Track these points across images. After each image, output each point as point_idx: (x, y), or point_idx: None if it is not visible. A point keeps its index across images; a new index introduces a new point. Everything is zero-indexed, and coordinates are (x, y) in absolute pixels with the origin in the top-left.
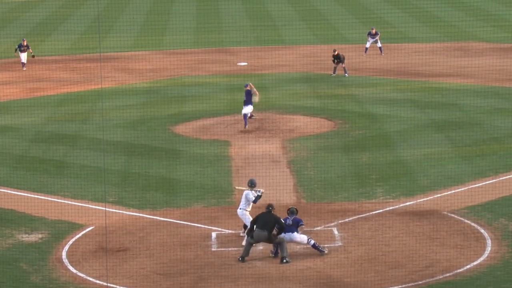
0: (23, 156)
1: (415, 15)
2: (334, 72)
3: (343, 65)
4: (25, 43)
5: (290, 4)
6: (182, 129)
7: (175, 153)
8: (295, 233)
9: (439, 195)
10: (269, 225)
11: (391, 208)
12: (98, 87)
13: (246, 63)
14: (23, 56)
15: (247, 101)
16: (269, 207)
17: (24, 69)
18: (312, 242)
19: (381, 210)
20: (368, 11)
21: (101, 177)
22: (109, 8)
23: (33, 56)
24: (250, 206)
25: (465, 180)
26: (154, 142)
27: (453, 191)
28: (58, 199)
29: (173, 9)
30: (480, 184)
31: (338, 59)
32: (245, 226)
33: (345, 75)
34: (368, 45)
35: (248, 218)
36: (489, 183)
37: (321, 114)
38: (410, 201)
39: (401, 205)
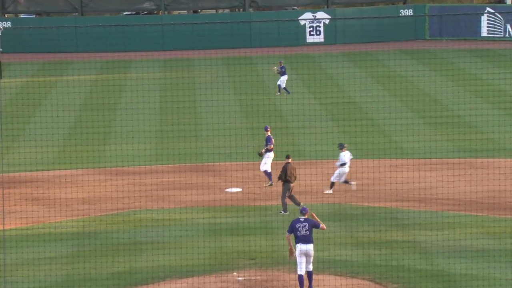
0: None
1: None
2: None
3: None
4: None
5: (311, 93)
6: None
7: None
8: None
9: None
10: None
11: None
12: None
13: (240, 189)
14: None
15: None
16: None
17: None
18: None
19: None
20: (439, 106)
21: None
22: (17, 103)
23: None
24: None
25: None
26: None
27: None
28: None
29: (121, 102)
30: None
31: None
32: None
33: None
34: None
35: None
36: None
37: (364, 273)
38: None
39: None
